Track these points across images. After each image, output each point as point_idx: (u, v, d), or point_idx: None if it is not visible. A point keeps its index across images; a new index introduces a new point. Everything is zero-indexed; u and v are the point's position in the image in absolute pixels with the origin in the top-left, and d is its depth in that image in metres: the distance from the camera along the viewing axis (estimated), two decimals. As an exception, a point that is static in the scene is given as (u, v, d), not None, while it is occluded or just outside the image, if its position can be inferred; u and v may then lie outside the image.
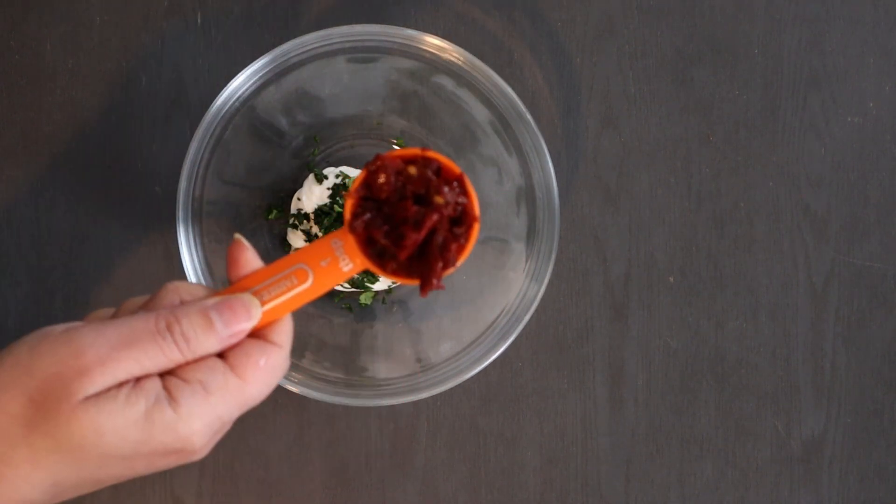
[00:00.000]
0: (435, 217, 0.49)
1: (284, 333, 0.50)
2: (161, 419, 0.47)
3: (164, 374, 0.48)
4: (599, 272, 0.74)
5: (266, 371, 0.48)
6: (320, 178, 0.71)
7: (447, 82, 0.69)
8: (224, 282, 0.68)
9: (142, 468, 0.48)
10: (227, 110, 0.67)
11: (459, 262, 0.50)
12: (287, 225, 0.72)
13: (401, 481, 0.72)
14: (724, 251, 0.74)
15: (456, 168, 0.50)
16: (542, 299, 0.69)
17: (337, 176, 0.71)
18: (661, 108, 0.75)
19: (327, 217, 0.70)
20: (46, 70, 0.73)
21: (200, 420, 0.47)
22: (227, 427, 0.50)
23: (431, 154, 0.50)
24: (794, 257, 0.75)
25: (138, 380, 0.47)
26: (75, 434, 0.46)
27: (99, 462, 0.47)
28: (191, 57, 0.73)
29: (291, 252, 0.71)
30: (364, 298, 0.72)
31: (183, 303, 0.49)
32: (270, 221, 0.72)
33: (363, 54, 0.69)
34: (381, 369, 0.69)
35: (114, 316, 0.50)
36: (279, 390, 0.71)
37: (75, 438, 0.46)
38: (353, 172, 0.71)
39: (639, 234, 0.74)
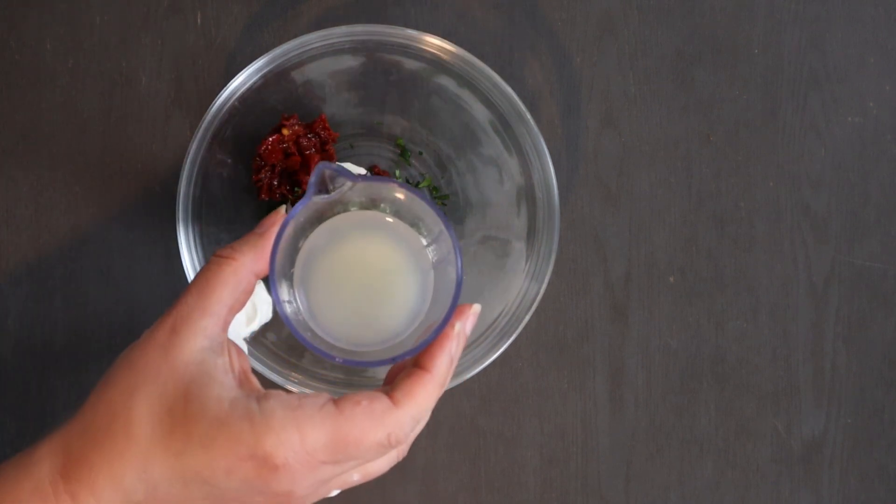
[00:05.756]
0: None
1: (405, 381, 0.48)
2: (244, 404, 0.45)
3: None
4: (599, 272, 0.74)
5: (367, 410, 0.46)
6: (320, 178, 0.71)
7: (448, 82, 0.69)
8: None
9: (222, 473, 0.45)
10: (227, 110, 0.68)
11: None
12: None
13: (401, 481, 0.72)
14: (725, 251, 0.74)
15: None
16: (542, 299, 0.69)
17: (337, 176, 0.71)
18: (661, 108, 0.75)
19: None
20: (46, 70, 0.73)
21: (280, 421, 0.45)
22: (332, 487, 0.47)
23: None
24: (794, 257, 0.75)
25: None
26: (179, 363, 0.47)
27: (185, 433, 0.45)
28: (191, 57, 0.73)
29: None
30: (364, 298, 0.72)
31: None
32: (270, 221, 0.72)
33: (363, 54, 0.69)
34: (381, 369, 0.69)
35: None
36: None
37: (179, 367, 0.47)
38: (355, 169, 0.71)
39: (639, 234, 0.74)
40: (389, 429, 0.46)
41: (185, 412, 0.46)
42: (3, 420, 0.71)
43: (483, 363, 0.67)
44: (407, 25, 0.71)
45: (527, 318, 0.67)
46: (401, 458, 0.52)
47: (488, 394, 0.73)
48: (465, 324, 0.50)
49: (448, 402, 0.73)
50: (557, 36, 0.75)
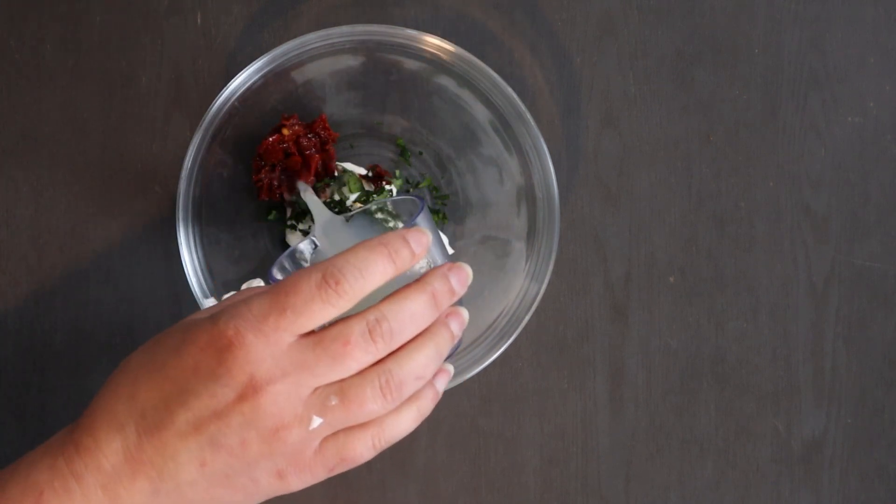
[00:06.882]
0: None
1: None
2: (210, 314, 0.50)
3: None
4: (599, 272, 0.74)
5: (303, 269, 0.48)
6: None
7: (448, 82, 0.69)
8: (225, 283, 0.68)
9: (191, 374, 0.47)
10: (227, 110, 0.68)
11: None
12: (286, 226, 0.72)
13: (401, 481, 0.72)
14: (725, 251, 0.74)
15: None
16: (542, 299, 0.69)
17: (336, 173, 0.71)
18: (661, 108, 0.75)
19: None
20: (46, 70, 0.73)
21: (231, 302, 0.49)
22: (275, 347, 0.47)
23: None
24: (794, 257, 0.75)
25: None
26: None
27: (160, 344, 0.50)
28: (191, 57, 0.73)
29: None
30: (364, 298, 0.72)
31: None
32: (270, 222, 0.72)
33: (363, 54, 0.69)
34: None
35: None
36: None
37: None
38: (356, 169, 0.71)
39: (639, 234, 0.74)
40: (322, 270, 0.47)
41: (168, 334, 0.50)
42: (3, 420, 0.71)
43: (483, 363, 0.67)
44: (407, 25, 0.71)
45: (527, 318, 0.67)
46: (389, 395, 0.48)
47: (488, 394, 0.73)
48: (450, 280, 0.52)
49: (448, 402, 0.73)
50: (557, 36, 0.75)
